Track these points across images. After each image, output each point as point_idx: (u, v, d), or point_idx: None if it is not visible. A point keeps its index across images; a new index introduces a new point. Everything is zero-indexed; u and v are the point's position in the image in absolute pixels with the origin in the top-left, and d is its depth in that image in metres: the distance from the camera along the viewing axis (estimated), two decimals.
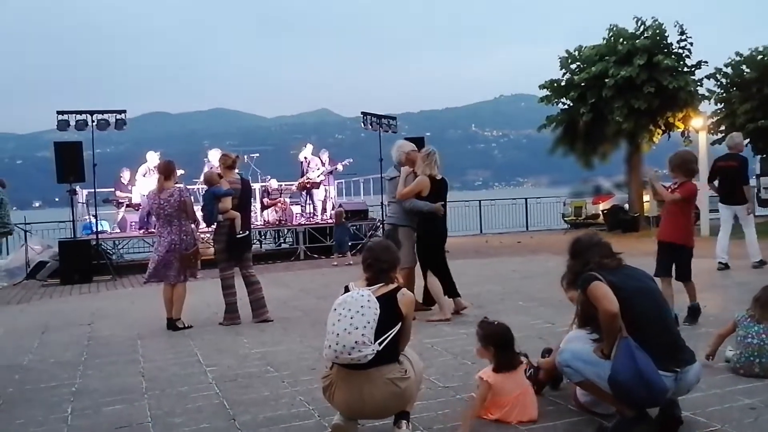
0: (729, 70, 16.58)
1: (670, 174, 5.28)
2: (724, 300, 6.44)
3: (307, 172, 14.13)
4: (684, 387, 3.06)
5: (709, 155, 12.86)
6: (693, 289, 5.30)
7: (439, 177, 6.13)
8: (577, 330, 3.62)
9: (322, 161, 14.44)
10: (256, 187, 13.59)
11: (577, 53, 16.10)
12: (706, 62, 15.58)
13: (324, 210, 14.62)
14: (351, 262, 11.73)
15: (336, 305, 3.02)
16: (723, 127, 16.87)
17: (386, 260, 3.17)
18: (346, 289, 3.13)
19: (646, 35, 15.19)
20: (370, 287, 3.08)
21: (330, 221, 14.12)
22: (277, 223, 14.05)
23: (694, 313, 5.27)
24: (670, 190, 5.27)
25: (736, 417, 3.22)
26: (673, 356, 3.01)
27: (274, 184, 14.50)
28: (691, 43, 15.28)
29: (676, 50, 15.36)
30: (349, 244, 12.53)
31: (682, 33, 15.25)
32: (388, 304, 3.02)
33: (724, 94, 16.69)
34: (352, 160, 15.32)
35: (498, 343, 3.33)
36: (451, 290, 6.17)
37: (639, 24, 15.47)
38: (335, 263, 11.79)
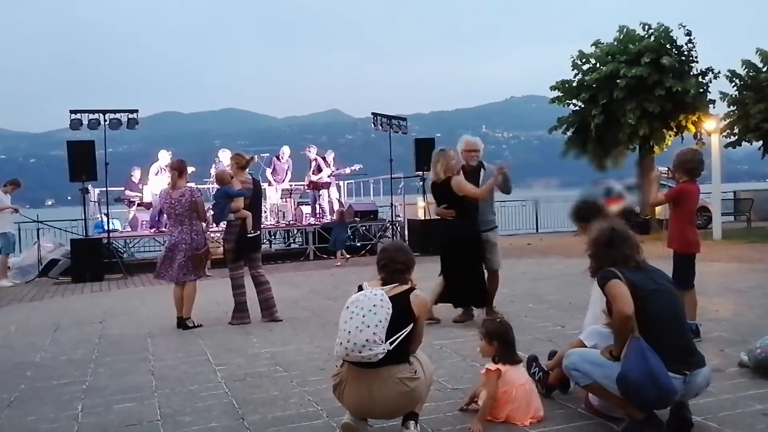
0: (743, 71, 16.43)
1: (675, 174, 5.00)
2: (736, 304, 6.37)
3: (313, 173, 14.13)
4: (693, 390, 3.04)
5: (723, 158, 12.75)
6: (693, 305, 4.80)
7: (436, 179, 5.86)
8: (595, 326, 3.60)
9: (326, 162, 14.43)
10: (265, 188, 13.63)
11: (593, 49, 16.02)
12: (713, 71, 15.49)
13: (333, 210, 14.63)
14: (339, 264, 11.64)
15: (349, 303, 3.03)
16: (736, 129, 16.72)
17: (400, 261, 3.19)
18: (360, 289, 3.14)
19: (653, 38, 15.15)
20: (384, 287, 3.09)
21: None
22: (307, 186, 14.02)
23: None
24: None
25: (749, 422, 3.19)
26: (684, 359, 3.00)
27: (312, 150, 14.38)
28: (695, 44, 15.23)
29: (685, 51, 15.30)
30: (347, 244, 12.46)
31: (689, 34, 15.20)
32: (400, 304, 3.03)
33: (737, 96, 16.54)
34: (362, 166, 15.27)
35: (501, 339, 3.40)
36: (459, 298, 5.88)
37: (645, 28, 15.44)
38: (339, 263, 11.69)
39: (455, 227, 5.81)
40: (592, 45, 16.17)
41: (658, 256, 4.85)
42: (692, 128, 15.44)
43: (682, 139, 15.94)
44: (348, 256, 12.07)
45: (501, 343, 3.38)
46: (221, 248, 7.12)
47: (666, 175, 5.29)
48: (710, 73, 15.47)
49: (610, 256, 3.19)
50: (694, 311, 4.84)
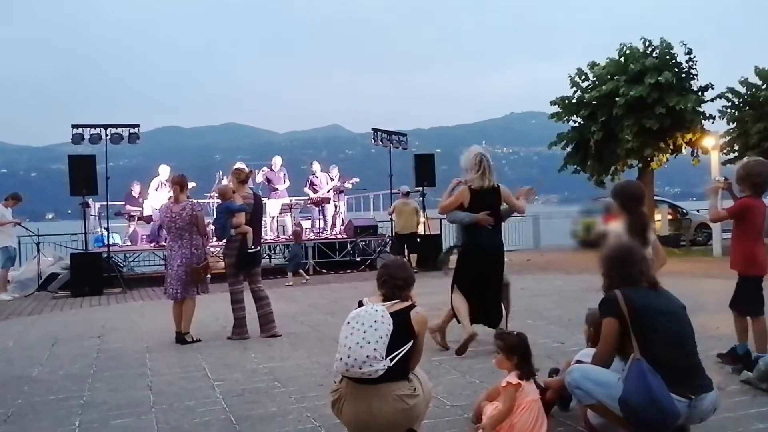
0: (743, 89, 16.53)
1: (738, 186, 4.57)
2: None
3: (317, 188, 14.18)
4: (698, 415, 2.99)
5: (722, 174, 12.81)
6: (762, 333, 4.37)
7: (487, 185, 5.35)
8: (586, 350, 3.61)
9: (331, 177, 14.49)
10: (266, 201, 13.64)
11: (589, 69, 16.14)
12: (712, 86, 15.62)
13: (334, 225, 14.64)
14: (306, 280, 11.37)
15: (349, 318, 3.03)
16: (736, 147, 16.79)
17: (401, 278, 3.19)
18: (360, 304, 3.13)
19: (654, 54, 15.27)
20: (385, 303, 3.09)
21: (341, 236, 14.15)
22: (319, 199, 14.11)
23: (736, 356, 4.44)
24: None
25: None
26: (690, 382, 2.96)
27: (315, 166, 14.50)
28: (696, 62, 15.36)
29: (685, 69, 15.42)
30: (303, 262, 12.23)
31: (690, 53, 15.33)
32: (401, 321, 3.03)
33: (737, 114, 16.63)
34: (359, 180, 15.35)
35: (521, 353, 3.39)
36: (477, 316, 5.36)
37: (647, 45, 15.56)
38: (290, 283, 11.16)
39: (493, 239, 5.41)
40: (588, 65, 16.29)
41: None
42: (683, 148, 15.55)
43: (675, 155, 16.03)
44: (307, 277, 11.61)
45: (521, 358, 3.37)
46: (221, 263, 7.11)
47: (723, 187, 4.70)
48: (710, 88, 15.58)
49: (622, 275, 3.17)
50: (765, 340, 4.36)
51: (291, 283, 11.16)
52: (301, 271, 11.77)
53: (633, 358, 2.95)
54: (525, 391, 3.28)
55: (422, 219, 13.45)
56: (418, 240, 13.10)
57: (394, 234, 13.20)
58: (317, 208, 14.48)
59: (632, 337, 3.00)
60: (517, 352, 3.38)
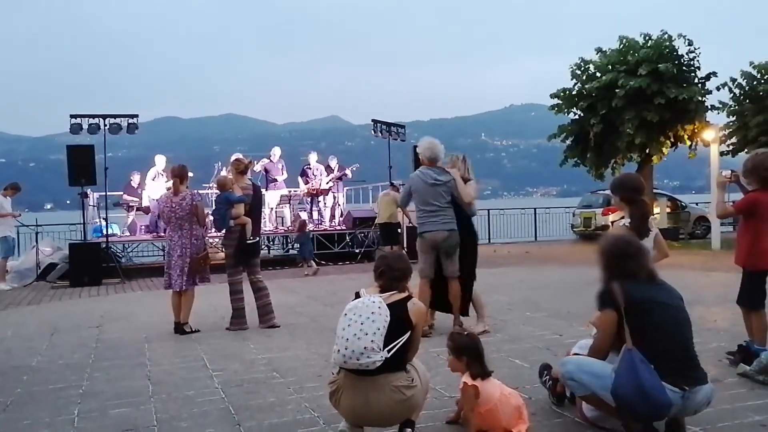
0: (743, 81, 16.51)
1: (745, 179, 4.43)
2: (734, 314, 6.34)
3: (312, 180, 14.16)
4: (691, 407, 2.99)
5: (721, 167, 12.83)
6: (762, 327, 4.33)
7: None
8: (584, 340, 3.62)
9: (331, 168, 14.47)
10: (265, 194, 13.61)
11: (596, 56, 16.15)
12: (715, 74, 15.59)
13: (332, 216, 14.64)
14: (307, 273, 11.29)
15: (347, 310, 3.03)
16: (734, 140, 16.79)
17: (399, 269, 3.19)
18: (357, 296, 3.14)
19: (650, 45, 15.26)
20: (382, 295, 3.09)
21: (340, 228, 14.15)
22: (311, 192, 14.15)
23: (741, 351, 4.33)
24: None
25: None
26: (684, 374, 2.96)
27: (312, 157, 14.52)
28: (699, 54, 15.33)
29: (686, 62, 15.39)
30: (312, 253, 12.28)
31: (690, 44, 15.30)
32: (398, 312, 3.02)
33: (737, 107, 16.62)
34: (359, 165, 15.36)
35: (470, 353, 3.29)
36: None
37: (646, 38, 15.54)
38: (308, 273, 11.32)
39: None
40: (595, 50, 16.27)
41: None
42: (687, 140, 15.56)
43: (675, 148, 16.03)
44: (316, 267, 11.61)
45: (471, 358, 3.27)
46: (219, 253, 7.11)
47: (731, 180, 4.56)
48: (712, 77, 15.56)
49: (621, 268, 3.16)
50: (764, 335, 4.33)
51: (308, 273, 11.29)
52: (312, 261, 11.77)
53: (625, 348, 2.96)
54: (488, 392, 3.18)
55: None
56: (399, 231, 13.09)
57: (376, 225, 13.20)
58: (314, 199, 14.46)
59: (626, 329, 3.01)
60: (465, 352, 3.28)
